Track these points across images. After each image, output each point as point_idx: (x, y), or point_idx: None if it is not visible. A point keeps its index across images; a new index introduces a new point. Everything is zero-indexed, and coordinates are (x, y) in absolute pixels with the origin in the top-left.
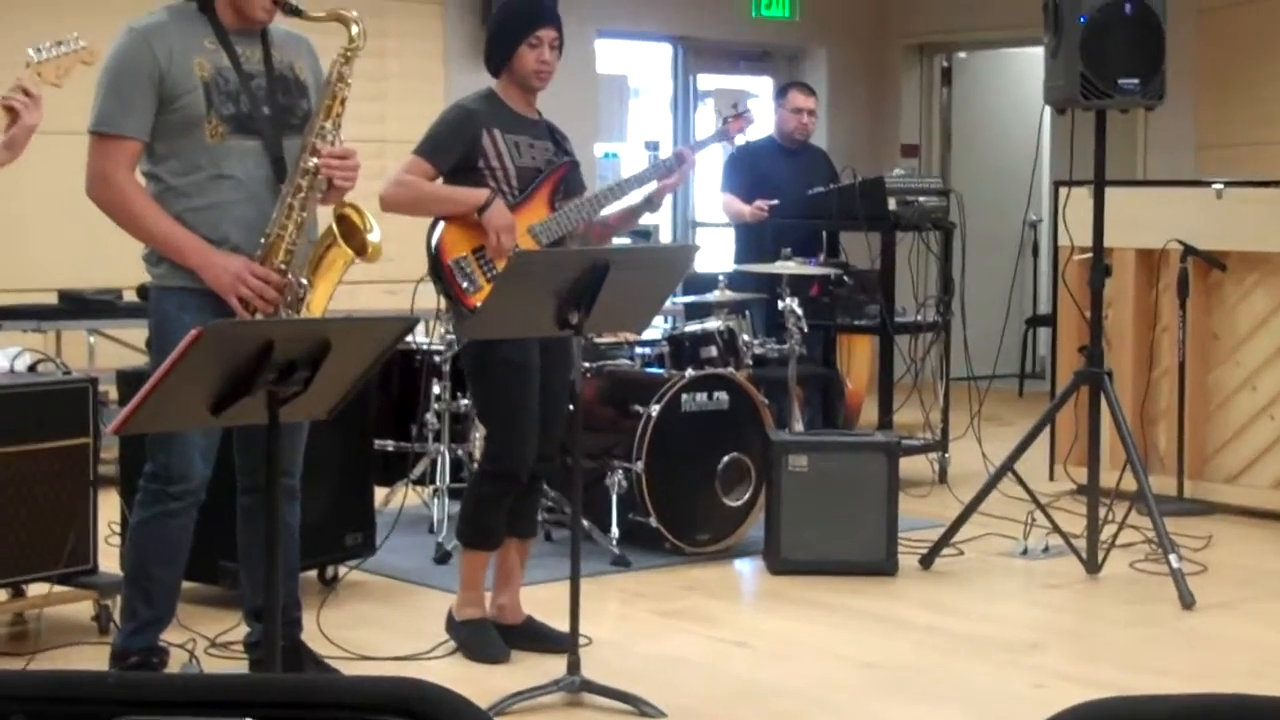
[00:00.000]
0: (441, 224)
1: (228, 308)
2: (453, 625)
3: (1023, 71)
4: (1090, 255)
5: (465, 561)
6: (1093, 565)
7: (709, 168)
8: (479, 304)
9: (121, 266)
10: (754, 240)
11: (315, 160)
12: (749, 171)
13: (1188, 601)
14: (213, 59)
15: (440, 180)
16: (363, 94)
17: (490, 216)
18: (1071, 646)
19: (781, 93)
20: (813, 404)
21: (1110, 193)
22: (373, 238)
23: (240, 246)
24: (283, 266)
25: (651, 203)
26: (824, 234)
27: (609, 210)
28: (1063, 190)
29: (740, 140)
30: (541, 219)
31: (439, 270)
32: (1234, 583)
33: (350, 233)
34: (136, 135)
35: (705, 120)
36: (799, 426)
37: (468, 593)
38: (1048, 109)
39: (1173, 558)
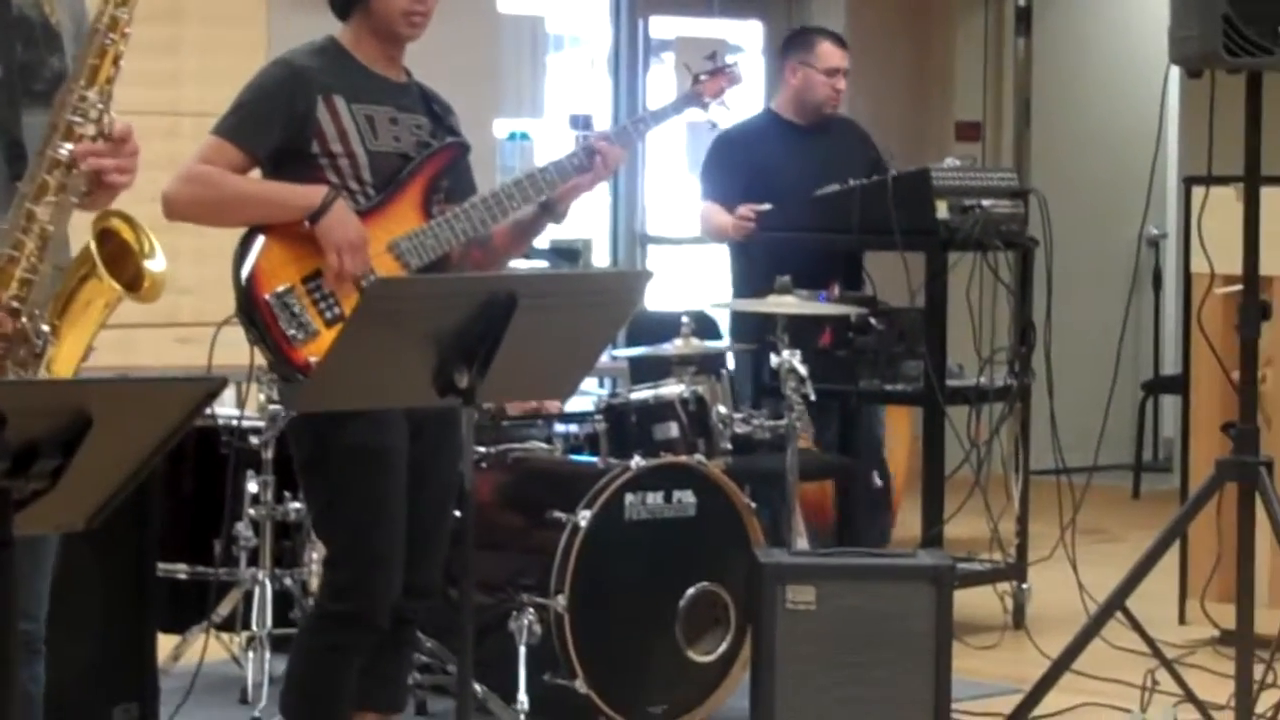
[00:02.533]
0: (259, 239)
1: None
2: None
3: (1138, 15)
4: (1239, 288)
5: None
6: None
7: (669, 153)
8: (313, 360)
9: None
10: (745, 266)
11: (70, 147)
12: (744, 167)
13: None
14: None
15: (256, 173)
16: (148, 45)
17: (329, 226)
18: None
19: (801, 45)
20: (822, 509)
21: (1270, 195)
22: (153, 266)
23: None
24: (15, 304)
25: (552, 210)
26: (841, 256)
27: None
28: (1198, 191)
29: (720, 115)
30: (410, 230)
31: (252, 309)
32: None
33: (118, 258)
34: None
35: (663, 83)
36: (803, 543)
37: None
38: (1175, 70)
39: None
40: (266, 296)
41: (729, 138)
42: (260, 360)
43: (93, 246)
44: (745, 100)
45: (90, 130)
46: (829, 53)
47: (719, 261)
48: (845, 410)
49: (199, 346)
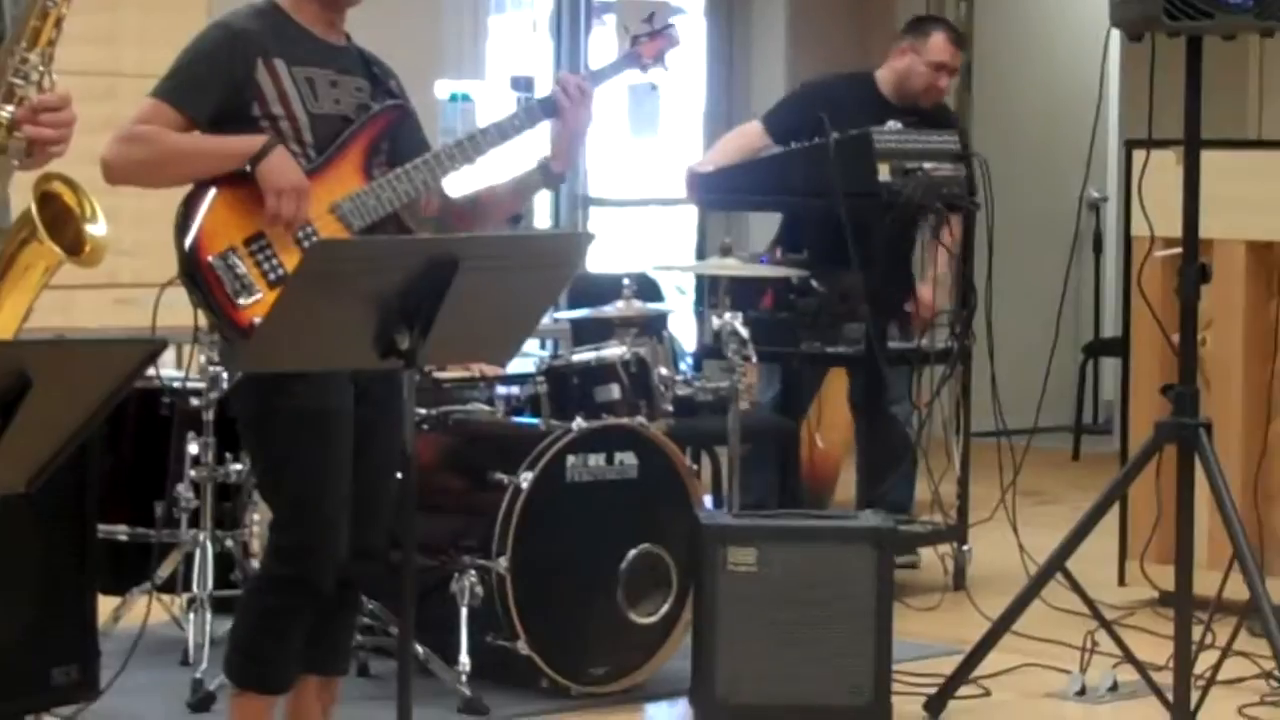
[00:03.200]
0: (203, 202)
1: None
2: None
3: None
4: (1178, 251)
5: (237, 710)
6: (1183, 711)
7: (610, 115)
8: (256, 320)
9: None
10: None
11: (10, 110)
12: (819, 121)
13: None
14: None
15: (195, 133)
16: (86, 4)
17: (269, 169)
18: None
19: (916, 31)
20: (763, 470)
21: (1209, 158)
22: (94, 230)
23: None
24: None
25: (549, 169)
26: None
27: (468, 184)
28: (1138, 154)
29: (659, 76)
30: (351, 191)
31: (195, 271)
32: None
33: (59, 221)
34: None
35: (605, 45)
36: (742, 505)
37: None
38: (1116, 34)
39: None
40: (209, 258)
41: (819, 84)
42: (203, 322)
43: (34, 210)
44: (683, 61)
45: (31, 92)
46: (939, 46)
47: (660, 222)
48: (788, 372)
49: (139, 308)
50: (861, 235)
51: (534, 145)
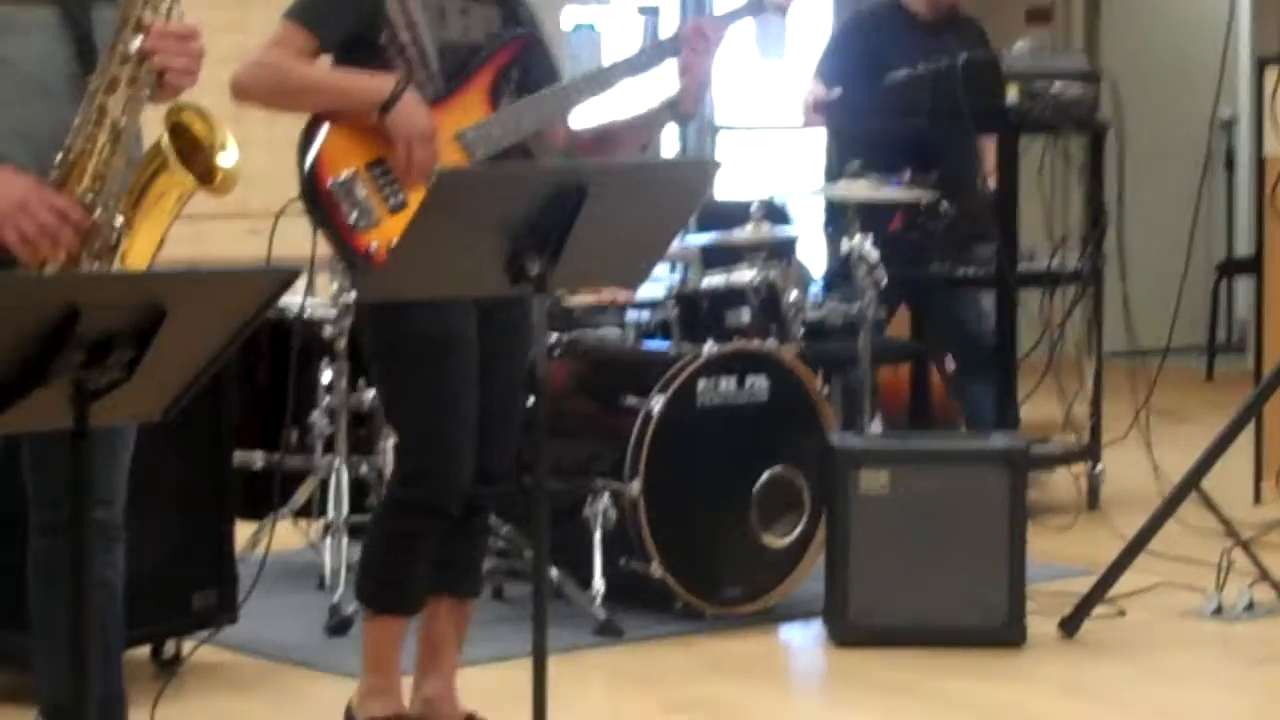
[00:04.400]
0: (324, 126)
1: (7, 255)
2: None
3: None
4: None
5: (371, 632)
6: None
7: (737, 41)
8: (374, 245)
9: None
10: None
11: (141, 40)
12: (860, 55)
13: None
14: None
15: (325, 60)
16: None
17: (399, 117)
18: None
19: None
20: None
21: None
22: (224, 160)
23: (25, 167)
24: (89, 196)
25: (677, 108)
26: (913, 141)
27: (596, 117)
28: (1270, 72)
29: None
30: (477, 120)
31: (315, 194)
32: None
33: (190, 151)
34: None
35: None
36: (877, 428)
37: (375, 678)
38: None
39: None
40: (330, 182)
41: (851, 25)
42: (326, 250)
43: (165, 140)
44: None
45: (160, 24)
46: None
47: (788, 147)
48: (917, 295)
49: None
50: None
51: (663, 80)
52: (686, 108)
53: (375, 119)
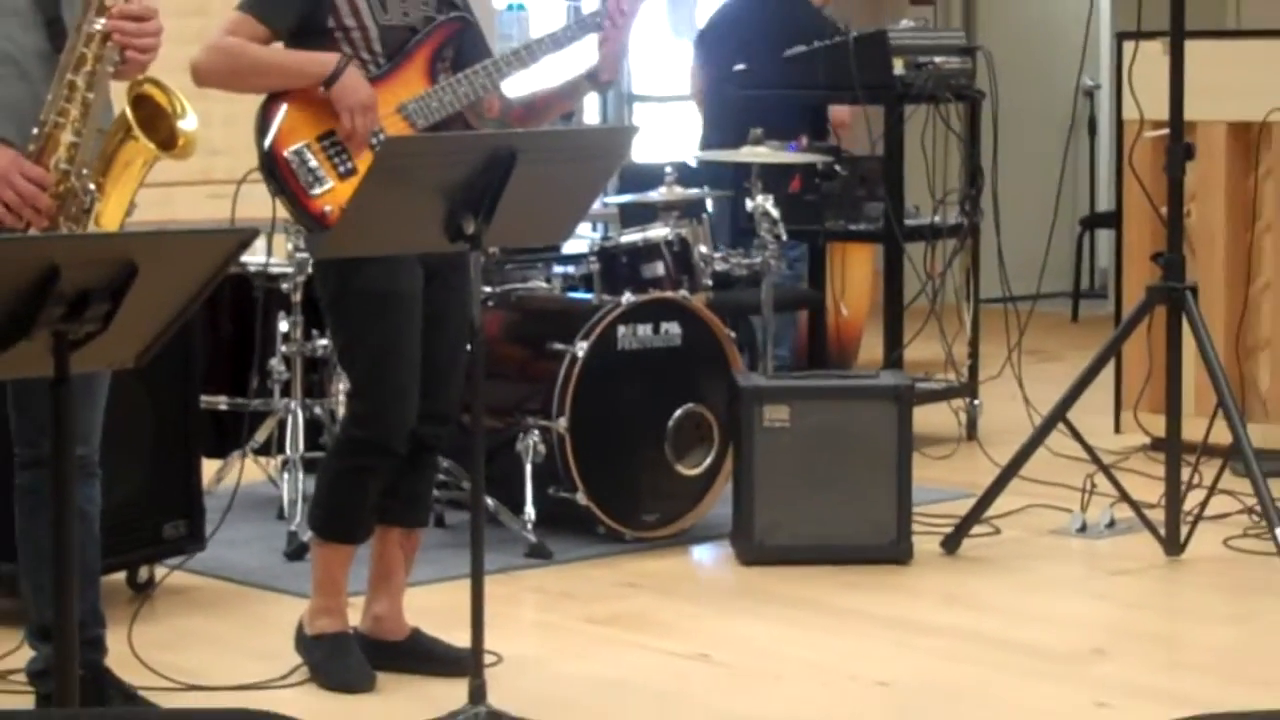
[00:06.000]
0: (278, 104)
1: None
2: (303, 641)
3: None
4: (1165, 132)
5: (320, 558)
6: (1173, 544)
7: (651, 19)
8: (327, 208)
9: None
10: (717, 120)
11: (104, 22)
12: (729, 42)
13: None
14: None
15: (278, 45)
16: None
17: (342, 90)
18: (1146, 652)
19: None
20: (792, 337)
21: (1192, 47)
22: (185, 125)
23: (6, 139)
24: (64, 166)
25: (597, 78)
26: (809, 109)
27: (525, 87)
28: (1128, 46)
29: None
30: (416, 94)
31: (272, 165)
32: None
33: (153, 120)
34: None
35: None
36: (777, 367)
37: (323, 599)
38: None
39: (1279, 531)
40: (285, 153)
41: (717, 19)
42: (282, 212)
43: (128, 111)
44: None
45: (120, 7)
46: None
47: (695, 117)
48: (814, 249)
49: (230, 202)
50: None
51: (584, 53)
52: (606, 77)
53: (321, 94)
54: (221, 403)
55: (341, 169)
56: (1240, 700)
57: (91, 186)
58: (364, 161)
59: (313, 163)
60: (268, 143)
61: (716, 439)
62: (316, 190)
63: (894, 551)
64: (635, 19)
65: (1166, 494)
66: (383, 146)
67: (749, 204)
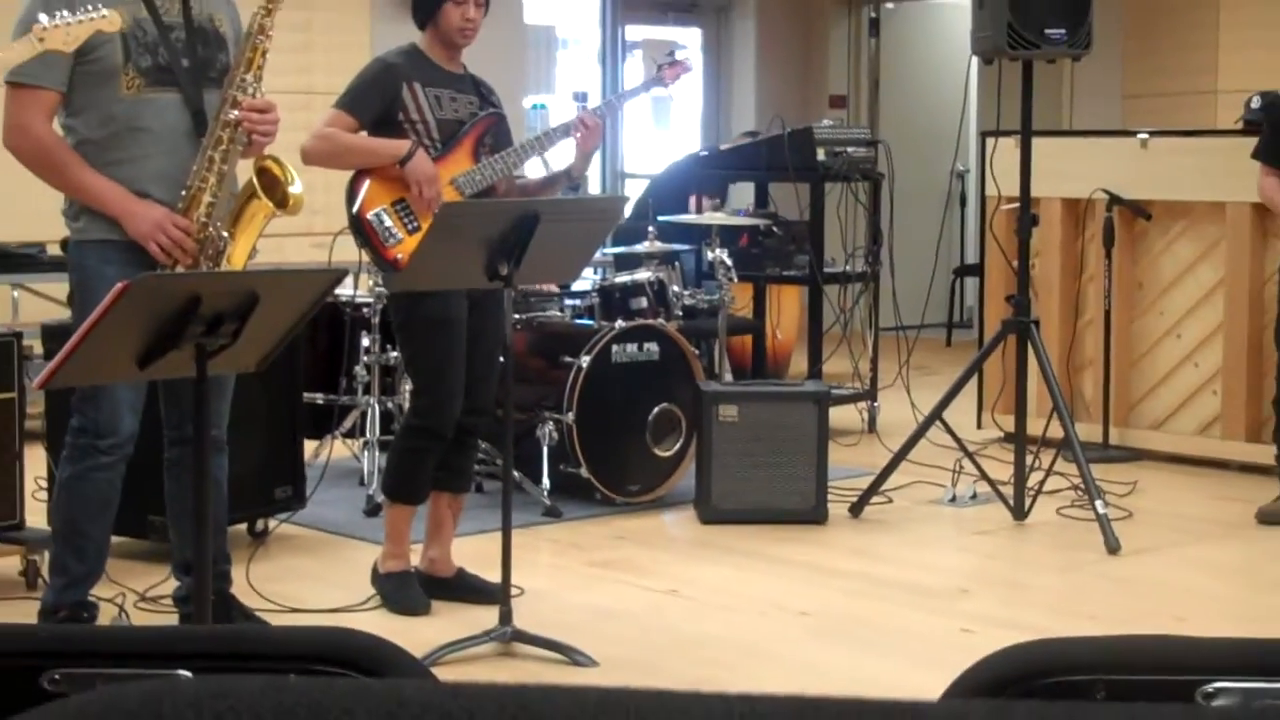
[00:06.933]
0: (363, 179)
1: (150, 259)
2: (376, 577)
3: (950, 22)
4: (1017, 205)
5: (391, 515)
6: (1020, 512)
7: (638, 114)
8: (399, 256)
9: (45, 220)
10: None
11: (236, 113)
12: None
13: (1113, 547)
14: (131, 10)
15: (363, 133)
16: (287, 45)
17: (412, 168)
18: (999, 592)
19: None
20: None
21: (1037, 143)
22: (294, 190)
23: (161, 201)
24: (204, 219)
25: (570, 174)
26: (754, 185)
27: (534, 172)
28: (990, 141)
29: (671, 91)
30: (464, 170)
31: (358, 224)
32: (1159, 528)
33: (271, 185)
34: (53, 86)
35: (634, 71)
36: (729, 377)
37: (392, 545)
38: (975, 60)
39: (1098, 504)
40: (368, 215)
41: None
42: (364, 257)
43: (253, 179)
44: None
45: (248, 102)
46: None
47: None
48: (757, 289)
49: (327, 249)
50: (814, 199)
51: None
52: (576, 174)
53: (396, 170)
54: (318, 398)
55: (410, 227)
56: (1069, 629)
57: (225, 235)
58: (426, 221)
59: (389, 223)
60: (355, 208)
61: (684, 429)
62: (391, 243)
63: (814, 514)
64: (601, 133)
65: (1015, 474)
66: (441, 209)
67: (709, 255)
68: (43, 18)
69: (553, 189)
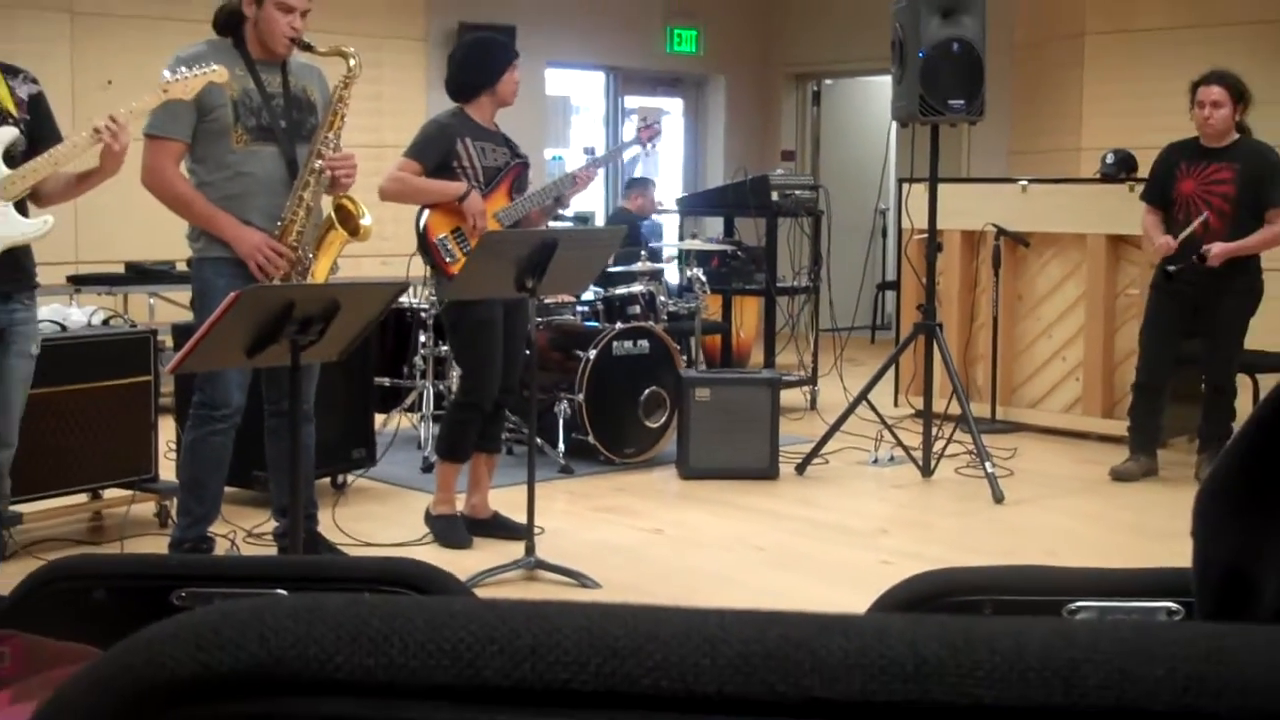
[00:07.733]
0: (427, 210)
1: (252, 277)
2: (429, 519)
3: (875, 95)
4: (926, 235)
5: (441, 470)
6: (927, 471)
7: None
8: (456, 272)
9: (175, 242)
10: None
11: (321, 162)
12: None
13: (999, 498)
14: (241, 82)
15: (426, 176)
16: (363, 110)
17: (469, 204)
18: (911, 532)
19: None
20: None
21: (942, 188)
22: (364, 222)
23: (262, 228)
24: (294, 244)
25: (559, 203)
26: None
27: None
28: (905, 186)
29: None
30: (503, 206)
31: (426, 246)
32: (1034, 484)
33: (346, 218)
34: (181, 138)
35: (629, 132)
36: (703, 366)
37: (442, 494)
38: (894, 123)
39: (987, 465)
40: (435, 240)
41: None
42: (427, 273)
43: (332, 214)
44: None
45: (330, 153)
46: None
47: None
48: (725, 299)
49: (394, 266)
50: (770, 230)
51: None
52: (564, 204)
53: (456, 206)
54: (386, 381)
55: (464, 249)
56: (965, 560)
57: (310, 256)
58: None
59: (449, 246)
60: (423, 233)
61: (669, 406)
62: (450, 261)
63: (769, 472)
64: (590, 181)
65: (923, 442)
66: (484, 236)
67: (688, 272)
68: (166, 74)
69: (547, 218)
